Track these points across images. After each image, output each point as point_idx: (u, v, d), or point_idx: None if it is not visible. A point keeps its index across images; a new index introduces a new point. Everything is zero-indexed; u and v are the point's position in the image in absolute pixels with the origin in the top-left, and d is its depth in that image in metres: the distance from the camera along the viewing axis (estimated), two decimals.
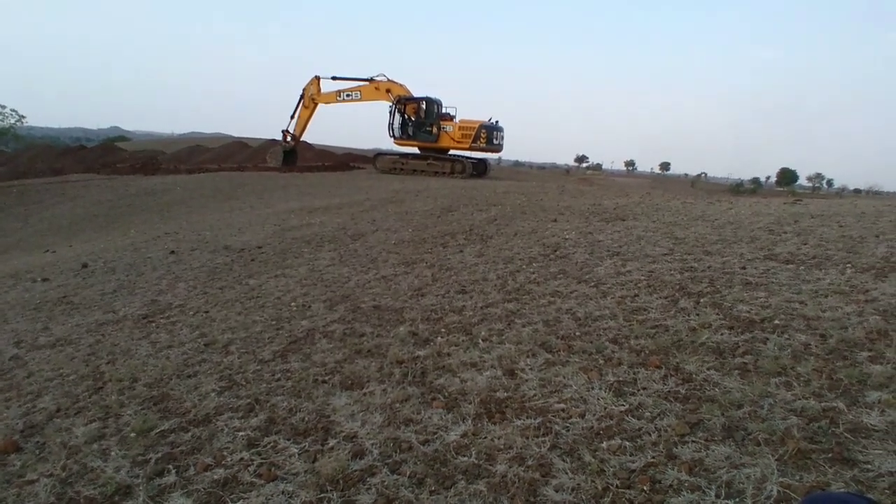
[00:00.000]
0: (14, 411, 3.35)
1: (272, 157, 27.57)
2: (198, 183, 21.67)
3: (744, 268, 4.36)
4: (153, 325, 4.88)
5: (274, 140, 37.38)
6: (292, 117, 25.22)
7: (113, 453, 2.64)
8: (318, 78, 24.31)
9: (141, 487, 2.34)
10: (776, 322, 3.23)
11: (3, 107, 33.02)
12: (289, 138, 26.14)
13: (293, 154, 27.11)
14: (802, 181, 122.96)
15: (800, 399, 2.41)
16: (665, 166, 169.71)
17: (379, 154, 25.72)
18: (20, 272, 8.79)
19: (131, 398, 3.29)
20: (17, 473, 2.58)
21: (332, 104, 24.71)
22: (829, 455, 2.03)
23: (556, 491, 2.05)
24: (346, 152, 41.60)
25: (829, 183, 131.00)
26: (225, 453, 2.53)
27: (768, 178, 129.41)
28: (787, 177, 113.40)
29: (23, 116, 34.06)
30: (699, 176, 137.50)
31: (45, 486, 2.43)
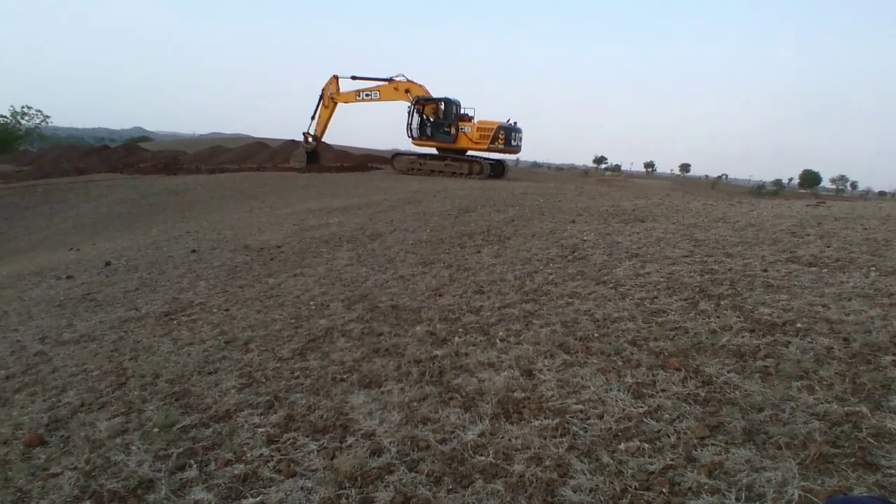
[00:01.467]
0: (39, 406, 3.43)
1: (296, 159, 27.73)
2: (218, 183, 21.95)
3: (765, 270, 4.30)
4: (175, 322, 4.96)
5: (294, 141, 37.57)
6: (312, 118, 25.29)
7: (135, 448, 2.70)
8: (336, 77, 24.41)
9: (163, 481, 2.38)
10: (798, 325, 3.18)
11: (29, 107, 33.87)
12: (310, 139, 26.31)
13: (316, 155, 27.32)
14: (826, 183, 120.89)
15: (822, 403, 2.38)
16: (685, 168, 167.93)
17: (397, 154, 25.80)
18: (45, 270, 8.99)
19: (153, 394, 3.35)
20: (41, 466, 2.64)
21: (350, 104, 24.79)
22: (852, 459, 2.00)
23: (574, 492, 2.04)
24: (364, 153, 41.78)
25: (854, 185, 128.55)
26: (245, 449, 2.57)
27: (791, 179, 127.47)
28: (809, 179, 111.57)
29: (48, 117, 34.84)
30: (720, 177, 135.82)
31: (69, 479, 2.48)
